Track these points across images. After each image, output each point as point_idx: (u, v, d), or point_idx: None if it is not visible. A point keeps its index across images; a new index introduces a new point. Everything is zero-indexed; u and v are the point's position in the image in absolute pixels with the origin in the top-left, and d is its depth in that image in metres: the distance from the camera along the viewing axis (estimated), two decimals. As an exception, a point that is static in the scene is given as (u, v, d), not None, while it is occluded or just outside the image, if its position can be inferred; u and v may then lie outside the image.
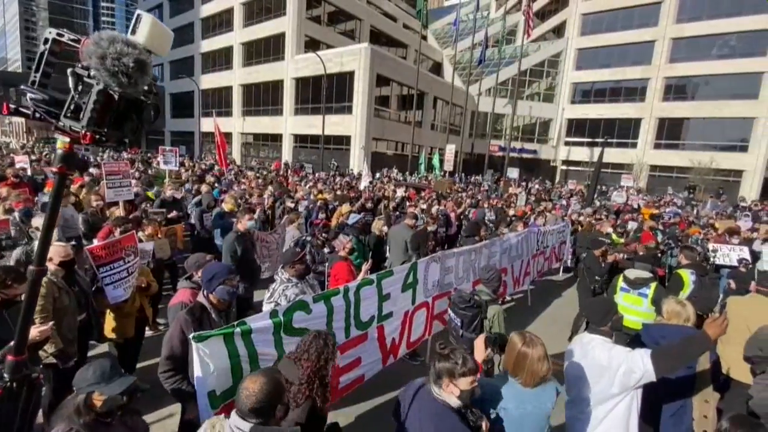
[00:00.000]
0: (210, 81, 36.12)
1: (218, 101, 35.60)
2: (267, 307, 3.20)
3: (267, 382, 1.59)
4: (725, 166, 29.21)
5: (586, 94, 36.69)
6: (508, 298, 6.96)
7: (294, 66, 28.33)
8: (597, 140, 28.09)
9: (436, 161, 24.11)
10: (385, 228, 6.61)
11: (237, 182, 11.98)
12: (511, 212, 11.04)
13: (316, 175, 18.40)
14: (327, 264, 4.74)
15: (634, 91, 33.81)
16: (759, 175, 29.18)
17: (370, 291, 3.41)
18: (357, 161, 24.82)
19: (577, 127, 36.81)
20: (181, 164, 13.98)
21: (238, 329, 2.38)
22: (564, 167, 37.76)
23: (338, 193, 10.63)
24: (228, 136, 32.15)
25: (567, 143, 37.31)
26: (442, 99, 32.29)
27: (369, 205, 8.92)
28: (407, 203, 10.64)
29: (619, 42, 33.84)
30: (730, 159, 29.38)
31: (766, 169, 29.59)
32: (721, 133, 30.16)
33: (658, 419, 2.85)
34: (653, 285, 4.11)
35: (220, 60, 35.37)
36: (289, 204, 8.29)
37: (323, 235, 5.14)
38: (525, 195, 15.33)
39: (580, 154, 35.73)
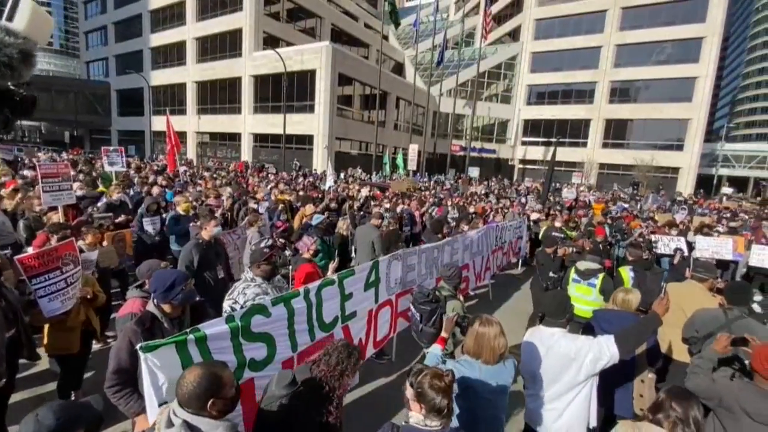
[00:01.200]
0: (161, 77, 34.22)
1: (171, 98, 33.81)
2: (226, 304, 3.11)
3: (203, 374, 1.58)
4: (664, 164, 31.84)
5: (540, 95, 38.54)
6: (471, 293, 7.15)
7: (252, 63, 27.48)
8: (551, 140, 29.62)
9: (400, 161, 24.34)
10: (350, 228, 6.58)
11: (192, 183, 11.43)
12: (472, 210, 11.34)
13: (279, 175, 17.95)
14: (291, 266, 4.63)
15: (584, 94, 35.98)
16: (693, 172, 32.14)
17: (331, 291, 3.36)
18: (320, 161, 24.52)
19: (532, 128, 38.57)
20: (129, 165, 13.13)
21: (191, 336, 2.25)
22: (521, 166, 39.45)
23: (301, 193, 10.43)
24: (182, 135, 30.66)
25: (524, 143, 38.99)
26: (405, 99, 32.61)
27: (333, 205, 8.83)
28: (372, 203, 10.65)
29: (570, 47, 35.85)
30: (668, 157, 32.05)
31: (699, 166, 32.62)
32: (660, 134, 32.89)
33: (609, 400, 3.05)
34: (601, 276, 4.38)
35: (172, 55, 33.60)
36: (252, 205, 8.02)
37: (280, 240, 5.01)
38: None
39: (536, 153, 37.47)
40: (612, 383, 2.99)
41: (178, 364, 2.18)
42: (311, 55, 24.79)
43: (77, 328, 3.50)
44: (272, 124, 26.49)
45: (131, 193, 8.51)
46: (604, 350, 2.34)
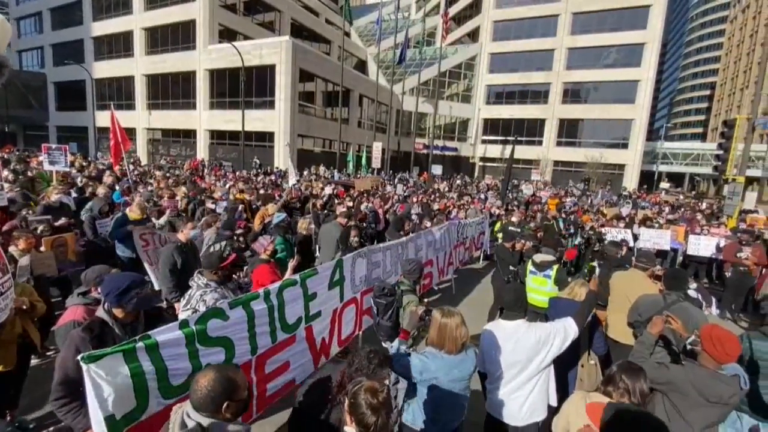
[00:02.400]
0: (106, 69, 31.87)
1: (117, 92, 31.55)
2: (183, 315, 2.93)
3: (217, 378, 1.60)
4: (612, 161, 34.08)
5: (499, 95, 39.89)
6: (434, 287, 7.28)
7: (207, 57, 26.29)
8: (509, 138, 30.83)
9: (364, 158, 24.31)
10: (313, 227, 6.47)
11: (143, 183, 10.76)
12: (435, 207, 11.55)
13: (237, 173, 17.32)
14: (248, 267, 4.48)
15: (539, 94, 37.68)
16: (637, 168, 34.69)
17: (294, 292, 3.28)
18: (282, 159, 23.94)
19: (492, 127, 39.86)
20: (72, 164, 12.13)
21: (140, 344, 2.11)
22: (482, 163, 40.68)
23: (261, 192, 10.12)
24: (131, 131, 28.81)
25: (484, 141, 40.21)
26: (368, 97, 32.55)
27: (295, 203, 8.65)
28: (335, 201, 10.55)
29: (525, 49, 37.35)
30: (615, 155, 34.33)
31: (642, 163, 35.26)
32: (607, 132, 35.17)
33: (564, 383, 3.24)
34: (555, 267, 4.61)
35: (118, 46, 31.38)
36: (210, 205, 7.68)
37: (239, 240, 4.83)
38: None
39: (495, 151, 38.78)
40: (567, 365, 3.20)
41: (126, 374, 2.04)
42: (270, 50, 24.10)
43: (13, 342, 3.17)
44: (230, 120, 25.51)
45: (73, 194, 7.87)
46: (569, 331, 2.66)
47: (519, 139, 34.69)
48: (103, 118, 28.99)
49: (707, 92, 75.78)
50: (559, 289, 4.42)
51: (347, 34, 35.91)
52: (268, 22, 31.36)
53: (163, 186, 9.48)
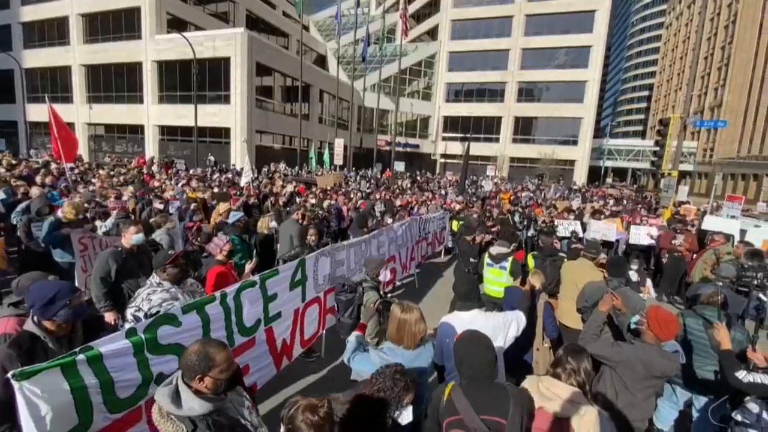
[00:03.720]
0: (38, 58, 29.02)
1: (52, 84, 28.84)
2: (128, 312, 2.84)
3: (197, 351, 1.66)
4: (563, 157, 36.04)
5: (457, 93, 40.86)
6: (398, 283, 7.35)
7: (155, 47, 24.71)
8: (468, 135, 31.67)
9: (327, 155, 23.98)
10: (274, 225, 6.32)
11: (84, 183, 9.96)
12: (398, 203, 11.66)
13: (191, 171, 16.49)
14: (202, 269, 4.29)
15: (496, 93, 39.02)
16: (585, 164, 36.99)
17: (253, 294, 3.18)
18: (239, 156, 23.09)
19: (452, 124, 40.78)
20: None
21: (81, 356, 1.96)
22: (443, 160, 41.53)
23: (216, 190, 9.70)
24: (69, 127, 26.47)
25: (444, 138, 41.06)
26: (329, 92, 32.12)
27: (253, 201, 8.39)
28: (297, 199, 10.34)
29: (482, 48, 38.47)
30: (566, 151, 36.34)
31: (590, 159, 37.62)
32: (559, 130, 37.17)
33: (521, 365, 3.43)
34: (510, 258, 4.81)
35: (51, 33, 28.64)
36: (158, 205, 7.24)
37: (197, 239, 4.61)
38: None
39: (456, 148, 39.69)
40: (524, 349, 3.42)
41: (66, 390, 1.89)
42: (224, 42, 23.08)
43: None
44: (182, 115, 24.16)
45: (2, 195, 7.14)
46: (520, 322, 2.91)
47: (477, 136, 35.83)
48: (35, 112, 26.47)
49: (646, 93, 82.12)
50: (514, 279, 4.63)
51: (306, 28, 35.19)
52: (222, 12, 30.00)
53: (108, 185, 8.83)
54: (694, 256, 7.09)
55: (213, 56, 23.11)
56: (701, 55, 52.79)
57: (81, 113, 27.98)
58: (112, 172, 12.43)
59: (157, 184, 11.06)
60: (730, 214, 10.40)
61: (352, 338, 2.66)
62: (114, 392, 2.10)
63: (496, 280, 4.78)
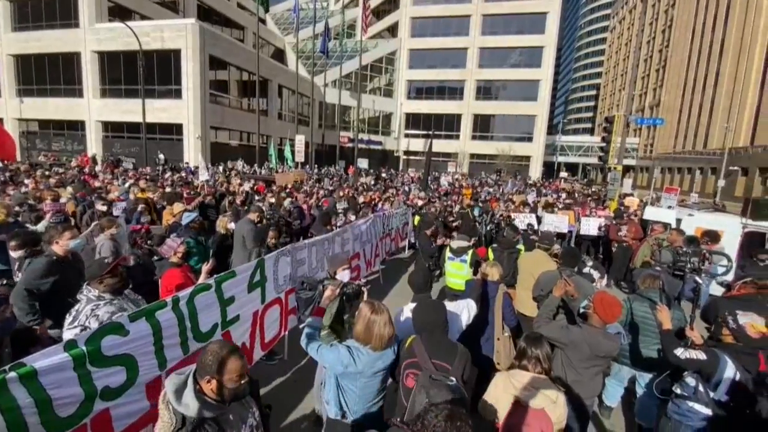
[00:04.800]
0: (-43, 46, 26.05)
1: (-26, 75, 26.04)
2: (68, 335, 2.51)
3: (214, 352, 1.66)
4: (520, 153, 37.59)
5: (419, 91, 41.34)
6: (363, 280, 7.32)
7: (95, 37, 22.93)
8: (430, 132, 32.18)
9: (288, 152, 23.38)
10: (232, 225, 6.08)
11: (14, 184, 9.06)
12: (361, 200, 11.62)
13: (140, 170, 15.49)
14: (156, 273, 4.04)
15: (455, 91, 39.89)
16: (540, 160, 38.79)
17: (208, 298, 3.02)
18: (192, 153, 22.00)
19: (413, 121, 41.25)
20: None
21: (12, 374, 1.77)
22: (405, 157, 41.93)
23: (167, 190, 9.17)
24: (-2, 122, 24.03)
25: (407, 135, 41.46)
26: (288, 88, 31.34)
27: (209, 200, 8.02)
28: (255, 197, 10.01)
29: (442, 46, 39.12)
30: (522, 147, 37.90)
31: (544, 154, 39.52)
32: (515, 127, 38.65)
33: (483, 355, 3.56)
34: (470, 252, 4.93)
35: (-28, 19, 25.82)
36: (100, 207, 6.71)
37: (147, 242, 4.33)
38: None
39: (418, 145, 40.24)
40: (486, 339, 3.57)
41: (-8, 411, 1.71)
42: (174, 33, 21.84)
43: None
44: (128, 110, 22.62)
45: None
46: (471, 308, 3.17)
47: (438, 133, 36.45)
48: (-45, 106, 23.77)
49: (594, 92, 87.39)
50: (474, 272, 4.76)
51: (262, 21, 34.04)
52: (170, 2, 28.35)
53: (42, 187, 8.08)
54: (639, 243, 7.64)
55: (162, 48, 21.83)
56: (641, 57, 57.01)
57: (10, 107, 25.45)
58: (48, 172, 11.40)
59: (99, 184, 10.27)
60: (667, 204, 11.28)
61: (308, 324, 2.57)
62: (53, 411, 1.92)
63: (457, 273, 4.89)
